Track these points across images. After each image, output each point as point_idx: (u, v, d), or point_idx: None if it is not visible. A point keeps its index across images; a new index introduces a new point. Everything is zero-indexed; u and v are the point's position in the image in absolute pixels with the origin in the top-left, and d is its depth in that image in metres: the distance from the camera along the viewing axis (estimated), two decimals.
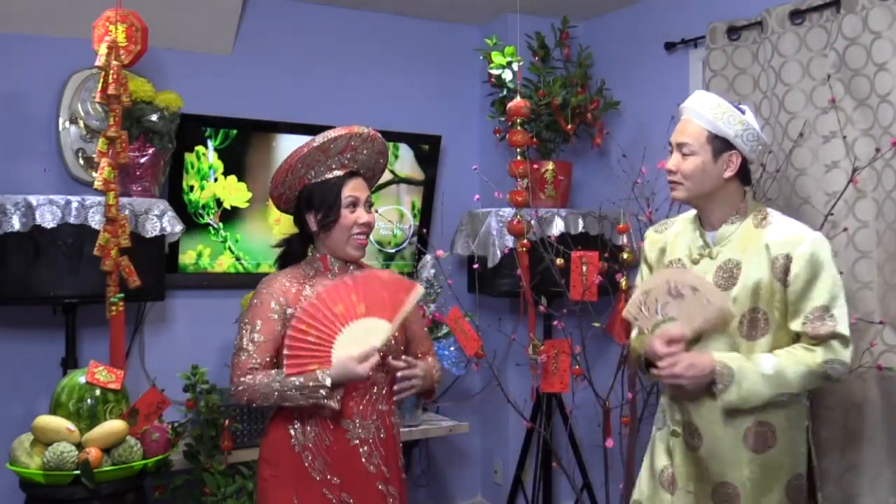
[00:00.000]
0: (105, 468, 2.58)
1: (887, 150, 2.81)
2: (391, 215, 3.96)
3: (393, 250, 4.00)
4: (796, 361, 2.23)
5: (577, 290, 3.11)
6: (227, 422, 3.11)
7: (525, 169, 3.23)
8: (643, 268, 2.58)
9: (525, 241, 3.24)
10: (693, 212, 2.47)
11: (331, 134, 2.32)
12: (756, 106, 3.22)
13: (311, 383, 2.20)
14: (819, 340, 2.24)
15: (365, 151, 2.40)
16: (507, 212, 3.58)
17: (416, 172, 4.01)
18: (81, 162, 3.37)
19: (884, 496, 2.82)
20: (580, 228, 3.69)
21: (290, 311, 2.31)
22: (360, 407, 2.31)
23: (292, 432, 2.31)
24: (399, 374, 2.32)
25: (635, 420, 3.21)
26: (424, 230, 4.00)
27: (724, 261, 2.33)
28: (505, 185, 3.39)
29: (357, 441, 2.30)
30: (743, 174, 2.36)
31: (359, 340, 2.22)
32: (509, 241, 3.53)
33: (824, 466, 2.97)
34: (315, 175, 2.35)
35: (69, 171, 3.36)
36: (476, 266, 3.51)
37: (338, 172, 2.36)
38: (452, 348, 3.61)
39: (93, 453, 2.54)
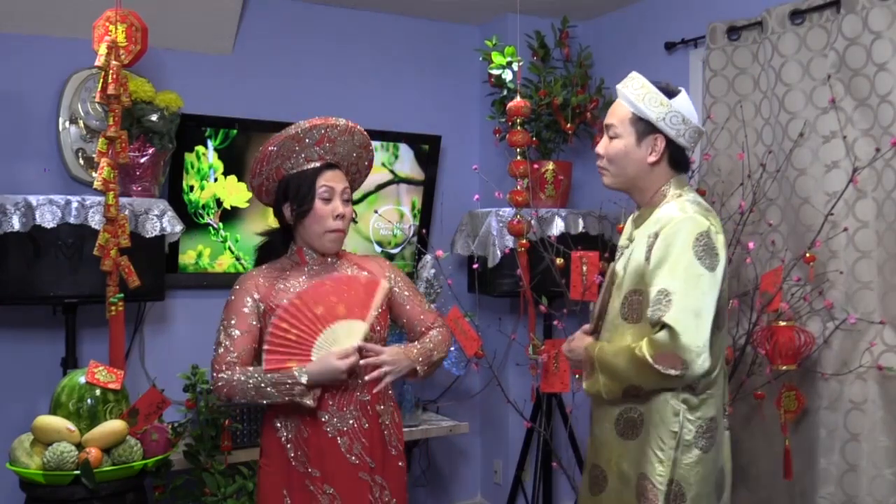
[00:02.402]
0: (105, 468, 2.57)
1: (887, 150, 2.81)
2: (391, 215, 3.96)
3: (393, 250, 4.00)
4: (623, 352, 2.11)
5: (577, 290, 3.10)
6: (227, 422, 3.11)
7: (525, 169, 3.23)
8: None
9: (525, 241, 3.24)
10: None
11: (304, 124, 2.33)
12: (756, 106, 3.22)
13: (287, 380, 2.21)
14: (655, 328, 2.04)
15: (343, 144, 2.40)
16: (507, 212, 3.58)
17: (416, 172, 4.01)
18: (81, 162, 3.36)
19: (884, 496, 2.82)
20: (580, 228, 3.69)
21: (262, 306, 2.34)
22: (336, 398, 2.30)
23: (279, 425, 2.34)
24: (362, 362, 2.25)
25: None
26: (424, 230, 4.00)
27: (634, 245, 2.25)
28: (505, 185, 3.39)
29: (335, 433, 2.29)
30: (674, 160, 2.22)
31: (339, 342, 2.26)
32: (509, 241, 3.53)
33: (824, 466, 2.97)
34: (292, 166, 2.36)
35: (69, 171, 3.36)
36: (476, 266, 3.51)
37: (315, 164, 2.36)
38: (452, 348, 3.61)
39: (93, 453, 2.54)
